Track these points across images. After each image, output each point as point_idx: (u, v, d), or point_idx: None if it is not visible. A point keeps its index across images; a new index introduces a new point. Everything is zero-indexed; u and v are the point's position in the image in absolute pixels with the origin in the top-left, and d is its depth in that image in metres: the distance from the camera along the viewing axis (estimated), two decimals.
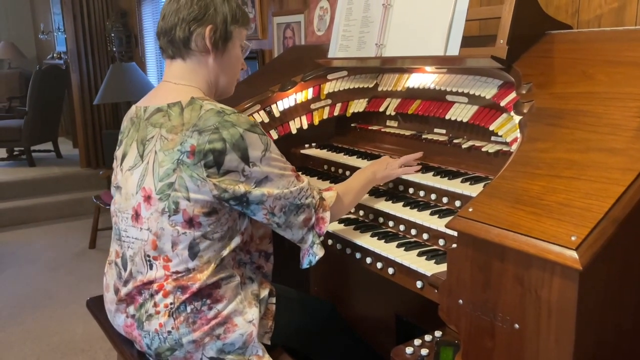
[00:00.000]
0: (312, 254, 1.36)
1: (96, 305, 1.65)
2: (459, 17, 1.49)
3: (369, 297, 2.08)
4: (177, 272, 1.27)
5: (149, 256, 1.28)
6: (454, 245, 1.07)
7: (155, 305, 1.28)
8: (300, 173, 1.36)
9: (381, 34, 1.73)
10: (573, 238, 0.87)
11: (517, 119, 1.30)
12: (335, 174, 1.93)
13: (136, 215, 1.29)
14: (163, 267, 1.27)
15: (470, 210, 1.04)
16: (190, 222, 1.24)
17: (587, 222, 0.89)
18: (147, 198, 1.26)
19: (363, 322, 2.06)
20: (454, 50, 1.49)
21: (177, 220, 1.24)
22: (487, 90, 1.52)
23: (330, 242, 1.61)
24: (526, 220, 0.95)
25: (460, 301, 1.07)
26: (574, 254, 0.86)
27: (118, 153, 1.39)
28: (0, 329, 2.91)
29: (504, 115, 1.47)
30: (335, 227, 1.60)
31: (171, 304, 1.27)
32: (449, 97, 1.67)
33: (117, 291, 1.37)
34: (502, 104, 1.44)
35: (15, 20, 7.88)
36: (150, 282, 1.29)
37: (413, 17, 1.63)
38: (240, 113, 1.26)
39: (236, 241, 1.32)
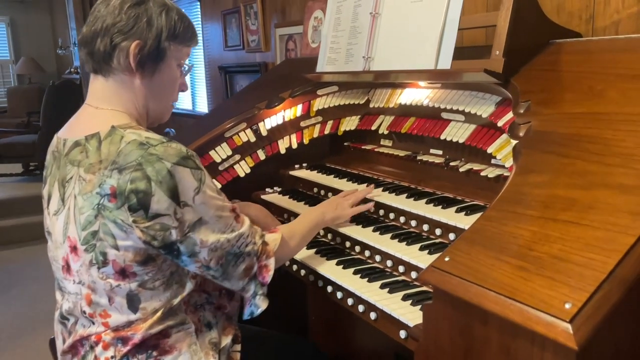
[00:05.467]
0: (255, 305, 1.19)
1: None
2: (451, 27, 1.31)
3: (367, 335, 1.90)
4: (117, 327, 1.12)
5: (85, 312, 1.13)
6: (430, 302, 0.90)
7: (95, 358, 1.13)
8: (239, 214, 1.16)
9: (369, 46, 1.56)
10: (567, 306, 0.69)
11: (514, 142, 1.12)
12: (325, 198, 1.76)
13: (67, 267, 1.14)
14: (102, 323, 1.12)
15: (447, 259, 0.86)
16: (123, 273, 1.07)
17: (586, 285, 0.70)
18: (74, 249, 1.10)
19: None
20: (446, 63, 1.32)
21: (108, 272, 1.07)
22: (484, 107, 1.34)
23: (312, 277, 1.44)
24: (511, 278, 0.77)
25: None
26: (569, 328, 0.67)
27: (44, 192, 1.22)
28: (5, 348, 2.85)
29: (504, 136, 1.29)
30: (316, 260, 1.43)
31: (112, 357, 1.11)
32: (444, 115, 1.49)
33: (64, 341, 1.23)
34: (500, 124, 1.26)
35: (36, 35, 7.97)
36: (90, 335, 1.14)
37: (402, 27, 1.46)
38: (172, 142, 1.07)
39: (189, 286, 1.16)
